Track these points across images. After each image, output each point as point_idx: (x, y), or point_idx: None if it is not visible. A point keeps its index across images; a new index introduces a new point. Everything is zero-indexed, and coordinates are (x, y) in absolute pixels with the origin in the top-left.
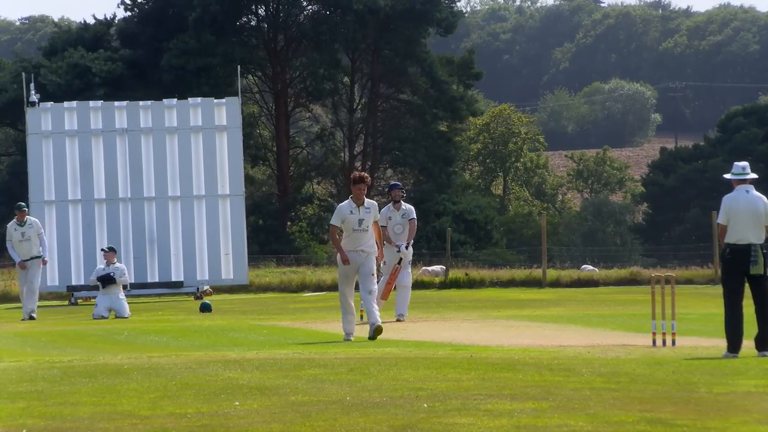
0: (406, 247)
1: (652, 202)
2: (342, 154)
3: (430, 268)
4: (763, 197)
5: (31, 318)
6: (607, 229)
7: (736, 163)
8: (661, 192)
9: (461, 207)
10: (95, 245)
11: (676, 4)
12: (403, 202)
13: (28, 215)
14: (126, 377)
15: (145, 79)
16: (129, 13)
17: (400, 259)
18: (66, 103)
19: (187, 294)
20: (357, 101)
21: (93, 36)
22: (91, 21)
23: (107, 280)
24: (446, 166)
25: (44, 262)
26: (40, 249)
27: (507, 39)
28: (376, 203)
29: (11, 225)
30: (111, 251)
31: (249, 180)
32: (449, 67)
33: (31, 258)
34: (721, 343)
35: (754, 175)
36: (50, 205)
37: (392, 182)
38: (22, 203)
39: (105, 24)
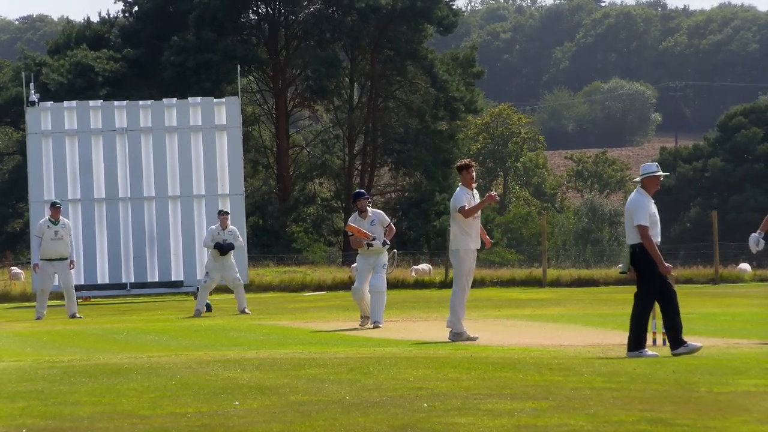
0: (384, 244)
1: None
2: (342, 153)
3: (419, 267)
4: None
5: (74, 317)
6: (603, 230)
7: (647, 164)
8: (661, 191)
9: None
10: (95, 245)
11: (675, 3)
12: (370, 210)
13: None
14: (126, 377)
15: (147, 76)
16: (127, 13)
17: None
18: (66, 103)
19: (186, 293)
20: (357, 100)
21: (95, 34)
22: (91, 19)
23: (227, 248)
24: (446, 165)
25: (72, 265)
26: (71, 251)
27: (507, 38)
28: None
29: (44, 222)
30: (225, 214)
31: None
32: (453, 64)
33: (61, 258)
34: (721, 343)
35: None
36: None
37: (357, 191)
38: (58, 201)
39: (107, 22)
